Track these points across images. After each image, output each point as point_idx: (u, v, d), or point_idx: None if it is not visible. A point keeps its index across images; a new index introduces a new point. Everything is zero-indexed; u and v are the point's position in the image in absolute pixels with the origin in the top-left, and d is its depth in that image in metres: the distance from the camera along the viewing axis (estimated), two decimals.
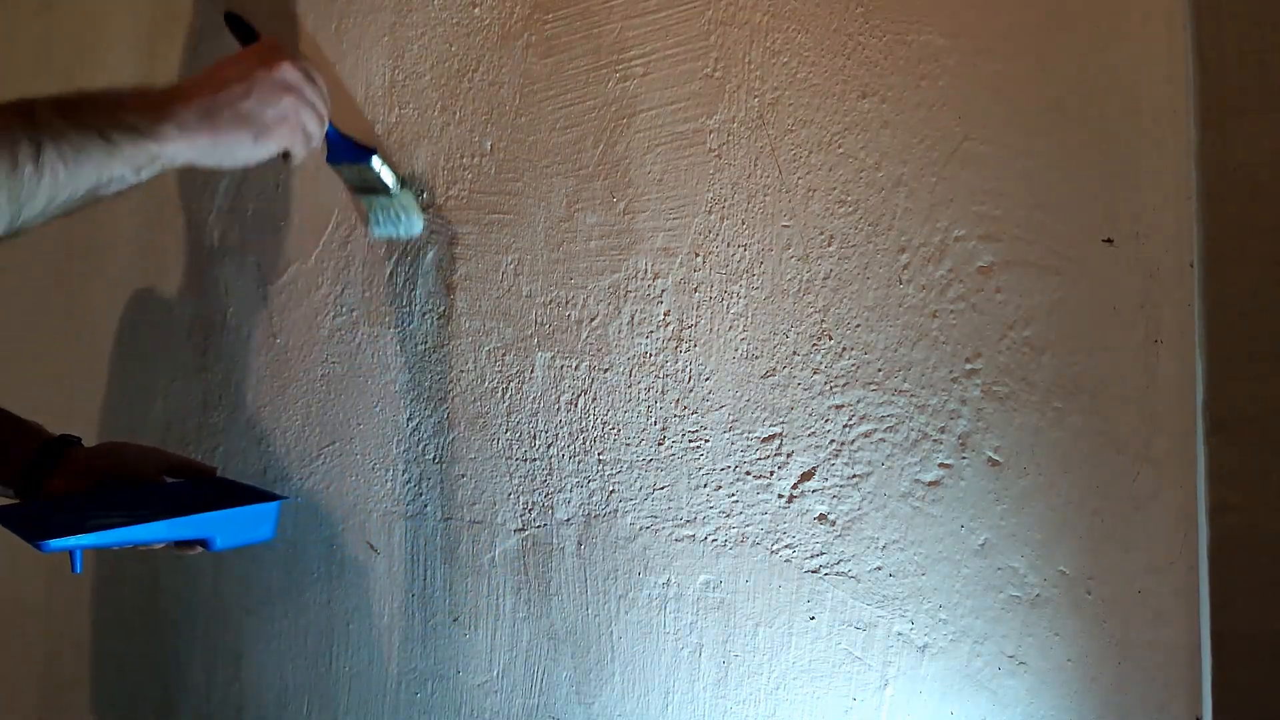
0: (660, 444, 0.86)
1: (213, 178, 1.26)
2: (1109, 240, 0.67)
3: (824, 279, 0.77)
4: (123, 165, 0.71)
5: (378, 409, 1.06)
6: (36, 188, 0.67)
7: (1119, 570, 0.66)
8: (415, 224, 1.00)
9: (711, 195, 0.83)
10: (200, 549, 0.85)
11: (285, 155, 0.81)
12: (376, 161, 0.95)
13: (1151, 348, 0.65)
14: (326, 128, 0.85)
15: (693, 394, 0.84)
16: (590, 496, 0.90)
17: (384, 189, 0.97)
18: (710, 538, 0.83)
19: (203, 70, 0.79)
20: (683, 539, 0.84)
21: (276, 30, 1.17)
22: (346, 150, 0.95)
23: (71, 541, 0.74)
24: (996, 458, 0.70)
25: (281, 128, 0.79)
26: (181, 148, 0.74)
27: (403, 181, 0.99)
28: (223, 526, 0.83)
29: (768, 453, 0.80)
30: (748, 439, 0.81)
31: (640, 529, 0.87)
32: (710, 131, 0.83)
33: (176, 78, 1.31)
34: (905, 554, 0.73)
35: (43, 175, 0.67)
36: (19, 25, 1.60)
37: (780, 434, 0.79)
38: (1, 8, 1.63)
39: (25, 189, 0.67)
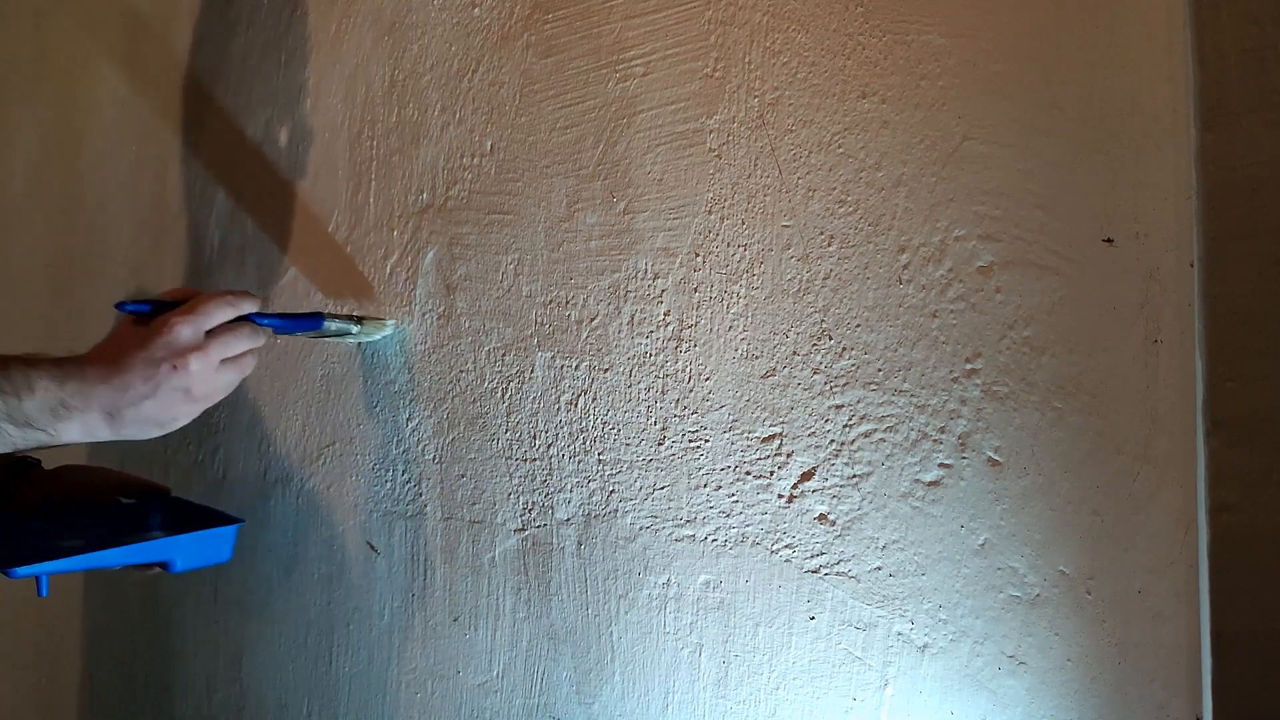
0: (660, 444, 0.86)
1: (212, 183, 1.26)
2: (1109, 240, 0.67)
3: (824, 279, 0.77)
4: (18, 441, 0.72)
5: (378, 409, 1.06)
6: None
7: (1119, 570, 0.66)
8: (389, 331, 1.03)
9: (711, 195, 0.83)
10: (160, 569, 0.87)
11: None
12: (327, 323, 0.97)
13: (1151, 348, 0.65)
14: (264, 324, 0.85)
15: (693, 394, 0.84)
16: (590, 496, 0.90)
17: (346, 333, 1.00)
18: (710, 538, 0.83)
19: (108, 340, 0.77)
20: (683, 539, 0.84)
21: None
22: (294, 326, 0.96)
23: (37, 568, 0.77)
24: (996, 458, 0.70)
25: (192, 408, 0.78)
26: (78, 438, 0.74)
27: (358, 318, 1.01)
28: (183, 550, 0.86)
29: (768, 453, 0.80)
30: (748, 439, 0.81)
31: (640, 529, 0.87)
32: (710, 131, 0.83)
33: (178, 79, 1.31)
34: (905, 554, 0.73)
35: None
36: (14, 34, 1.60)
37: (780, 434, 0.79)
38: (1, 13, 1.64)
39: None
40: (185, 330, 0.78)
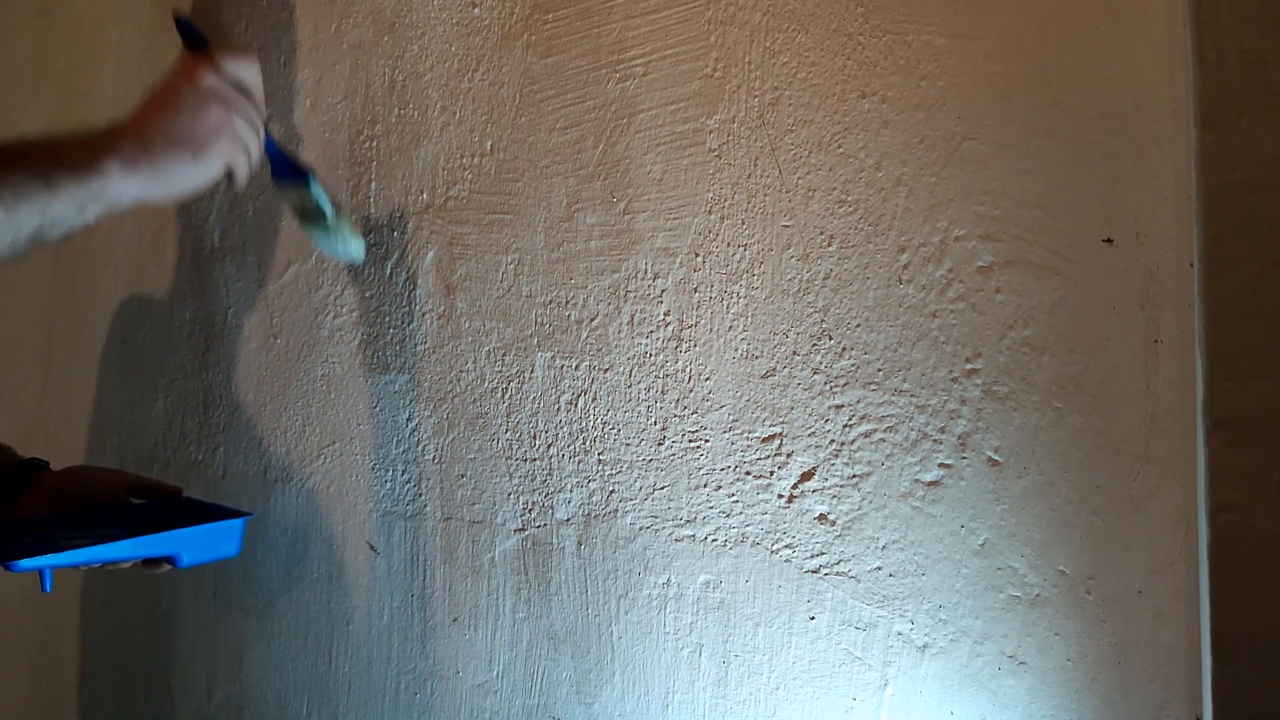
0: (660, 444, 0.86)
1: None
2: (1109, 240, 0.67)
3: (824, 279, 0.77)
4: (65, 205, 0.70)
5: (378, 409, 1.06)
6: None
7: (1119, 570, 0.66)
8: (353, 252, 0.98)
9: (711, 195, 0.83)
10: (168, 566, 0.86)
11: (230, 178, 0.80)
12: (314, 186, 0.93)
13: (1151, 348, 0.65)
14: (264, 137, 0.83)
15: (693, 394, 0.84)
16: (590, 496, 0.90)
17: (321, 216, 0.95)
18: (710, 538, 0.83)
19: (135, 105, 0.78)
20: (683, 539, 0.84)
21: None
22: (286, 169, 0.93)
23: (41, 561, 0.76)
24: (996, 458, 0.70)
25: (218, 139, 0.77)
26: (125, 182, 0.73)
27: (339, 209, 0.96)
28: (189, 543, 0.85)
29: (768, 453, 0.80)
30: (748, 439, 0.81)
31: (640, 529, 0.87)
32: (710, 131, 0.83)
33: None
34: (905, 554, 0.73)
35: None
36: (19, 30, 1.60)
37: (780, 434, 0.79)
38: (2, 11, 1.63)
39: None
40: (204, 62, 0.78)
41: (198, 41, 0.87)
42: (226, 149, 0.78)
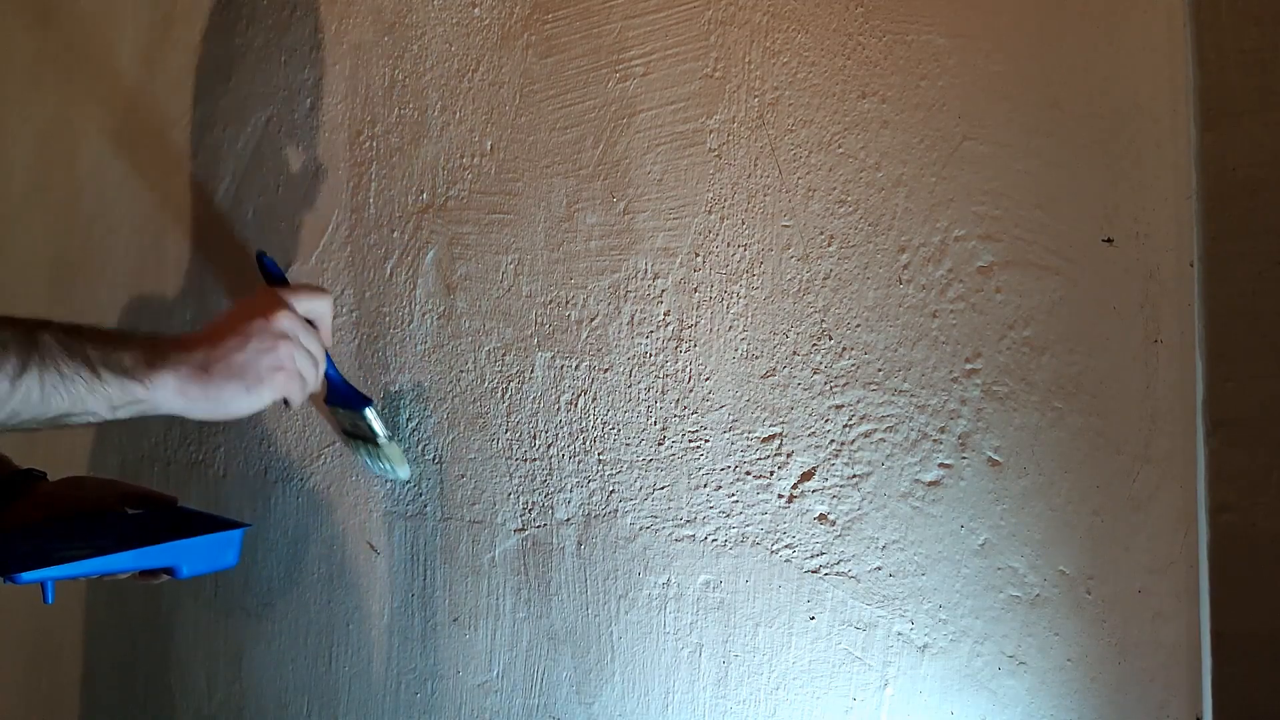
0: (660, 444, 0.86)
1: (212, 178, 1.26)
2: (1109, 240, 0.67)
3: (824, 279, 0.77)
4: (99, 402, 0.71)
5: (378, 410, 1.06)
6: (5, 401, 0.67)
7: (1119, 570, 0.66)
8: (400, 473, 1.01)
9: (711, 195, 0.83)
10: (166, 577, 0.87)
11: (285, 402, 0.81)
12: (370, 413, 0.96)
13: (1151, 348, 0.65)
14: (325, 370, 0.85)
15: (693, 394, 0.84)
16: (590, 496, 0.90)
17: (372, 438, 0.98)
18: (710, 538, 0.83)
19: (209, 322, 0.80)
20: (683, 539, 0.84)
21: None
22: (344, 395, 0.97)
23: (42, 574, 0.76)
24: (996, 458, 0.70)
25: (276, 376, 0.78)
26: (171, 397, 0.74)
27: (393, 433, 1.00)
28: (189, 554, 0.85)
29: (768, 453, 0.80)
30: (748, 439, 0.81)
31: (640, 529, 0.87)
32: (710, 131, 0.83)
33: (178, 79, 1.31)
34: (905, 554, 0.73)
35: (15, 393, 0.67)
36: (17, 35, 1.60)
37: (780, 434, 0.79)
38: (2, 12, 1.63)
39: None
40: (282, 300, 0.81)
41: (276, 277, 0.91)
42: (283, 384, 0.79)
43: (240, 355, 0.77)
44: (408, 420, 1.03)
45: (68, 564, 0.78)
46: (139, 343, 0.74)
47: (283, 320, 0.79)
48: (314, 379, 0.83)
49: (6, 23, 1.62)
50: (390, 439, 0.98)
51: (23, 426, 0.69)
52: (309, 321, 0.83)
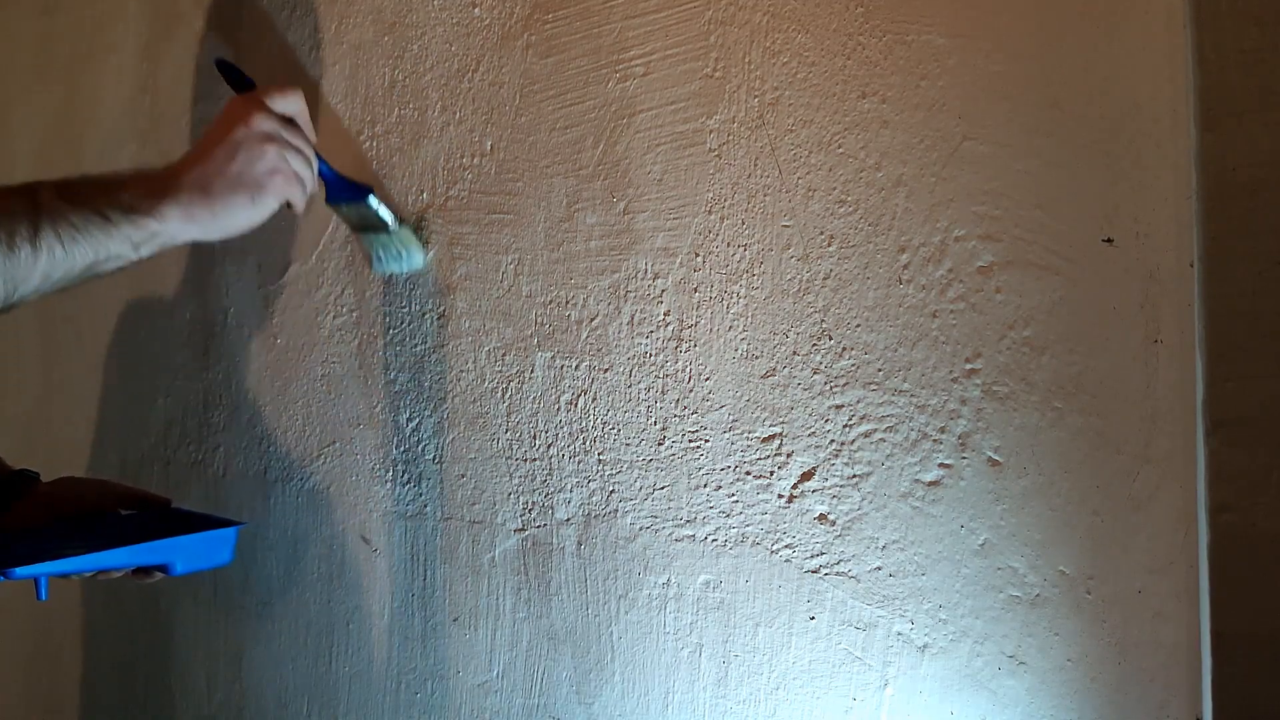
0: (660, 444, 0.86)
1: None
2: (1109, 240, 0.67)
3: (824, 279, 0.77)
4: (120, 244, 0.73)
5: (378, 409, 1.06)
6: (32, 267, 0.69)
7: (1119, 570, 0.66)
8: (416, 259, 1.00)
9: (711, 195, 0.83)
10: (160, 575, 0.87)
11: (288, 205, 0.82)
12: (373, 200, 0.96)
13: (1151, 348, 0.65)
14: (318, 167, 0.85)
15: (693, 394, 0.84)
16: (590, 496, 0.90)
17: (382, 226, 0.97)
18: (710, 538, 0.83)
19: (192, 145, 0.80)
20: (683, 539, 0.84)
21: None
22: (343, 189, 0.96)
23: (36, 569, 0.77)
24: (996, 458, 0.70)
25: (274, 179, 0.79)
26: (181, 224, 0.75)
27: (401, 218, 0.99)
28: (183, 552, 0.86)
29: (768, 453, 0.80)
30: (748, 439, 0.81)
31: (640, 529, 0.87)
32: (710, 131, 0.83)
33: (178, 78, 1.31)
34: (905, 554, 0.73)
35: (39, 254, 0.69)
36: (21, 27, 1.60)
37: (780, 434, 0.79)
38: (3, 10, 1.64)
39: (21, 268, 0.69)
40: (256, 102, 0.81)
41: (242, 83, 0.90)
42: (282, 187, 0.80)
43: (233, 165, 0.77)
44: (408, 420, 1.03)
45: (61, 560, 0.78)
46: (134, 180, 0.75)
47: (263, 122, 0.79)
48: (310, 177, 0.83)
49: (10, 17, 1.62)
50: (400, 223, 0.97)
51: (59, 285, 0.71)
52: (289, 120, 0.82)
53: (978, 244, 0.71)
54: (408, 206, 1.02)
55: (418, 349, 1.03)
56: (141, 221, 0.73)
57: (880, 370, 0.75)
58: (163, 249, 0.76)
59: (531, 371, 0.94)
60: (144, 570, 0.87)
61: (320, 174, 0.89)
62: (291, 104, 0.83)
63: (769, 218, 0.80)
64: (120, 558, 0.82)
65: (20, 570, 0.76)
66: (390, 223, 0.97)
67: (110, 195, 0.73)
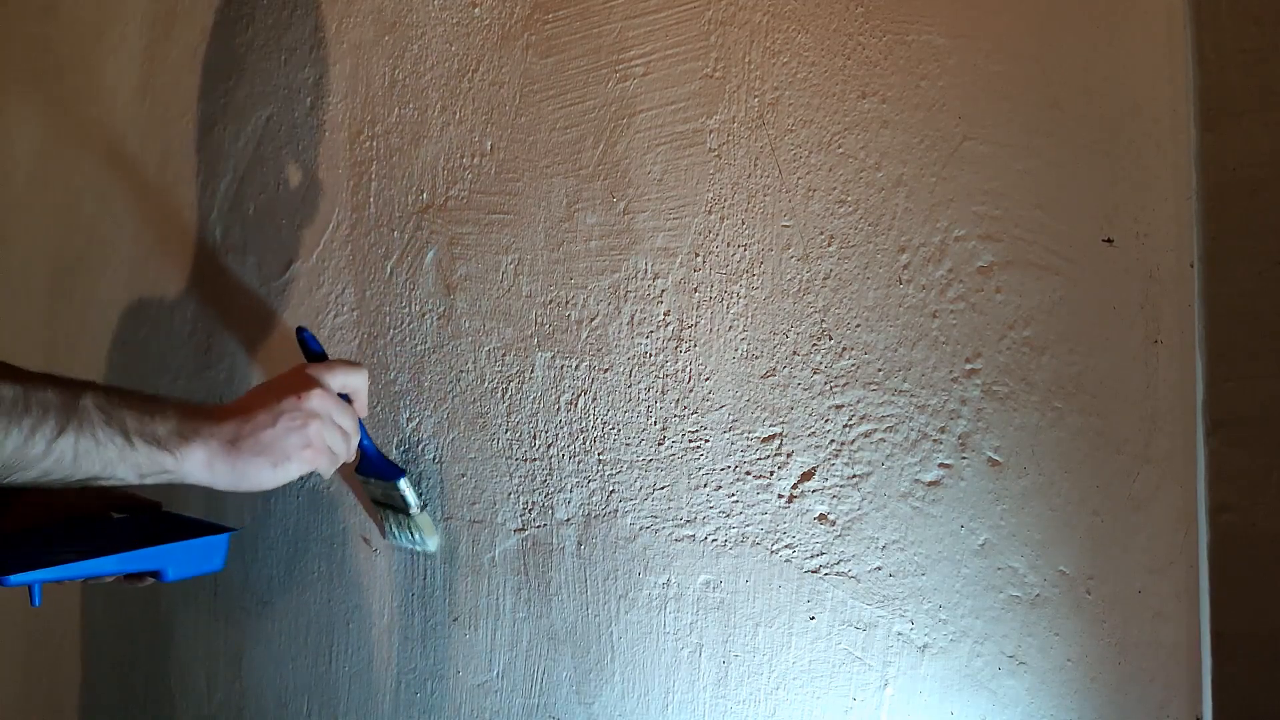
0: (660, 444, 0.86)
1: (213, 176, 1.26)
2: (1109, 240, 0.67)
3: (824, 279, 0.77)
4: (129, 470, 0.72)
5: (378, 409, 1.06)
6: (38, 463, 0.68)
7: (1119, 570, 0.66)
8: (430, 544, 1.00)
9: (711, 195, 0.83)
10: (151, 580, 0.88)
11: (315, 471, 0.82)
12: (403, 483, 0.96)
13: (1151, 348, 0.65)
14: (357, 443, 0.86)
15: (693, 394, 0.84)
16: (590, 496, 0.90)
17: (404, 509, 0.98)
18: (710, 538, 0.83)
19: (244, 394, 0.81)
20: (683, 539, 0.84)
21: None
22: (378, 466, 0.97)
23: (30, 576, 0.77)
24: (996, 458, 0.70)
25: (304, 454, 0.79)
26: (198, 470, 0.75)
27: (424, 503, 0.99)
28: (175, 558, 0.86)
29: (768, 453, 0.80)
30: (748, 439, 0.81)
31: (640, 529, 0.87)
32: (710, 131, 0.83)
33: (179, 78, 1.31)
34: (905, 554, 0.73)
35: (50, 454, 0.69)
36: (21, 28, 1.60)
37: (780, 434, 0.79)
38: (3, 10, 1.64)
39: (27, 458, 0.68)
40: (316, 379, 0.82)
41: (315, 352, 0.93)
42: (309, 461, 0.80)
43: (269, 433, 0.77)
44: (408, 420, 1.03)
45: (55, 567, 0.79)
46: (174, 412, 0.75)
47: (314, 399, 0.80)
48: (344, 453, 0.84)
49: (9, 19, 1.62)
50: (422, 509, 0.98)
51: (47, 484, 0.70)
52: (344, 395, 0.84)
53: (978, 244, 0.71)
54: (438, 527, 1.02)
55: (418, 349, 1.03)
56: (161, 456, 0.73)
57: (880, 370, 0.75)
58: (167, 484, 0.75)
59: (531, 371, 0.94)
60: (136, 576, 0.87)
61: (362, 446, 0.91)
62: (353, 380, 0.85)
63: (769, 218, 0.80)
64: (113, 565, 0.83)
65: (14, 578, 0.76)
66: (414, 508, 0.97)
67: (147, 421, 0.73)
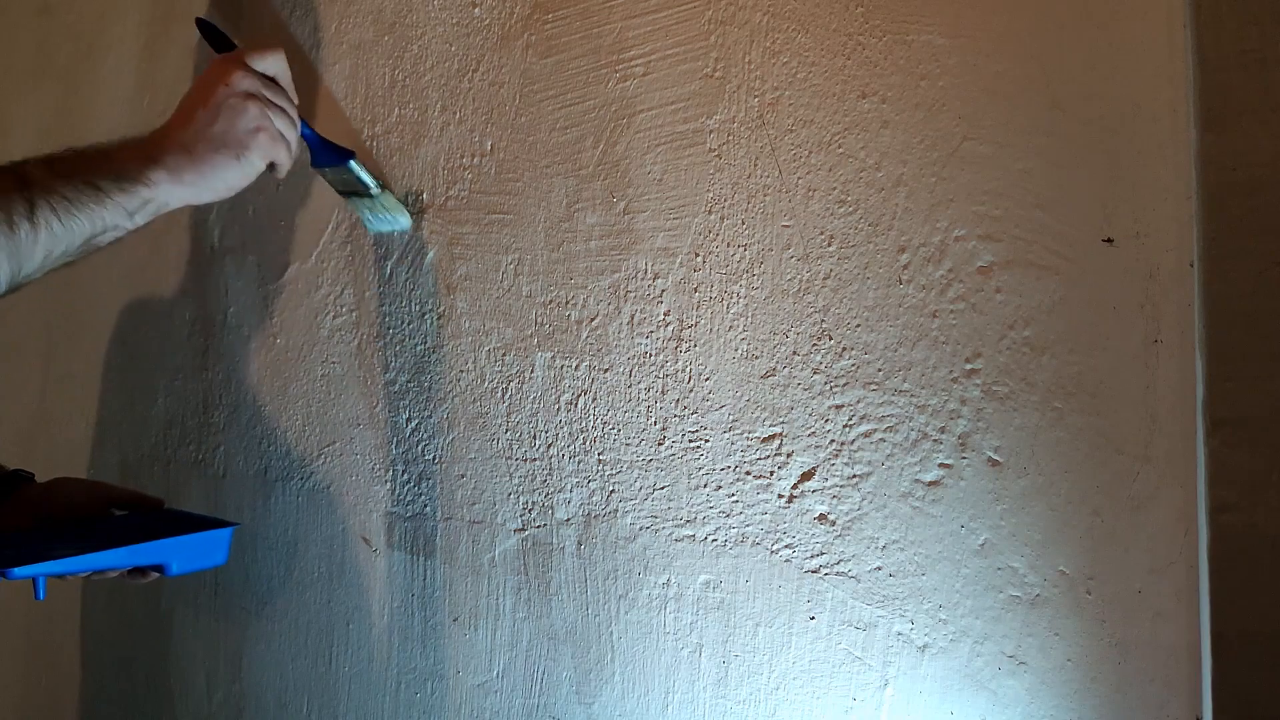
0: (660, 444, 0.86)
1: None
2: (1109, 240, 0.67)
3: (824, 279, 0.77)
4: (115, 213, 0.74)
5: (378, 409, 1.06)
6: (34, 244, 0.70)
7: (1119, 570, 0.66)
8: (402, 220, 1.02)
9: (711, 195, 0.83)
10: (155, 575, 0.88)
11: (271, 167, 0.83)
12: (354, 165, 0.97)
13: (1151, 348, 0.65)
14: (300, 128, 0.86)
15: (693, 394, 0.84)
16: (590, 496, 0.90)
17: (365, 191, 0.99)
18: (710, 538, 0.83)
19: (176, 108, 0.81)
20: (683, 539, 0.84)
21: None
22: (326, 153, 0.97)
23: (34, 569, 0.78)
24: (996, 458, 0.70)
25: (258, 137, 0.80)
26: (171, 188, 0.76)
27: (383, 183, 1.00)
28: (179, 552, 0.87)
29: (768, 453, 0.80)
30: (748, 439, 0.81)
31: (640, 529, 0.87)
32: (710, 131, 0.83)
33: (178, 77, 1.31)
34: (905, 554, 0.73)
35: (38, 231, 0.70)
36: (19, 26, 1.60)
37: (780, 434, 0.79)
38: (2, 10, 1.64)
39: (23, 247, 0.70)
40: (236, 62, 0.82)
41: (223, 43, 0.90)
42: (266, 146, 0.81)
43: (216, 125, 0.78)
44: (408, 420, 1.03)
45: (60, 560, 0.79)
46: (120, 149, 0.76)
47: (244, 81, 0.80)
48: (294, 137, 0.84)
49: (9, 16, 1.62)
50: (381, 188, 0.99)
51: (60, 261, 0.72)
52: (271, 80, 0.83)
53: (978, 244, 0.71)
54: (408, 204, 1.02)
55: (418, 349, 1.03)
56: (132, 189, 0.74)
57: (880, 370, 0.75)
58: (158, 214, 0.77)
59: (531, 371, 0.94)
60: (140, 570, 0.87)
61: (303, 136, 0.90)
62: (273, 63, 0.84)
63: (769, 218, 0.80)
64: (118, 558, 0.83)
65: (18, 570, 0.76)
66: (372, 187, 0.99)
67: (98, 166, 0.74)
